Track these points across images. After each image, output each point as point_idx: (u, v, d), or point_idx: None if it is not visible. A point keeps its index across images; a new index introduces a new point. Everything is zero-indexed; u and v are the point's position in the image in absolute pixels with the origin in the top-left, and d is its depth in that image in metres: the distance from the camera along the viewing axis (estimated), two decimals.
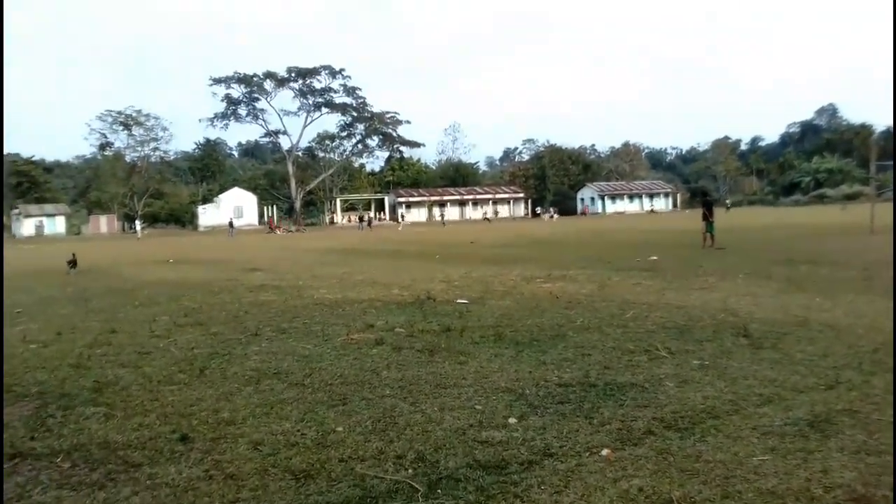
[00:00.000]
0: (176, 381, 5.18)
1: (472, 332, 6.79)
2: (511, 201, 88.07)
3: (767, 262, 13.40)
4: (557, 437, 3.66)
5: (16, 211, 75.70)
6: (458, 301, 9.15)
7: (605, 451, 3.42)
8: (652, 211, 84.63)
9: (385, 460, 3.44)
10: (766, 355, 5.41)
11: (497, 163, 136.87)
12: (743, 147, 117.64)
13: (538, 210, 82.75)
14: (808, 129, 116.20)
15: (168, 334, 7.29)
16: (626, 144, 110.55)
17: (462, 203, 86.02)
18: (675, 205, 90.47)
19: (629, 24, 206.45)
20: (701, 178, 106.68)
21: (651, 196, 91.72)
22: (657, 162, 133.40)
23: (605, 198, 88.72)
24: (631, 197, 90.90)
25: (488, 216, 76.09)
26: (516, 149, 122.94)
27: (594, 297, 9.21)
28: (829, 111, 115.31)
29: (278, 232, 56.89)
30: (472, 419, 4.04)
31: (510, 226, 52.02)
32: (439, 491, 3.03)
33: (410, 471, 3.29)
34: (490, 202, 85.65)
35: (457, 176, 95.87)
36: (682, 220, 38.73)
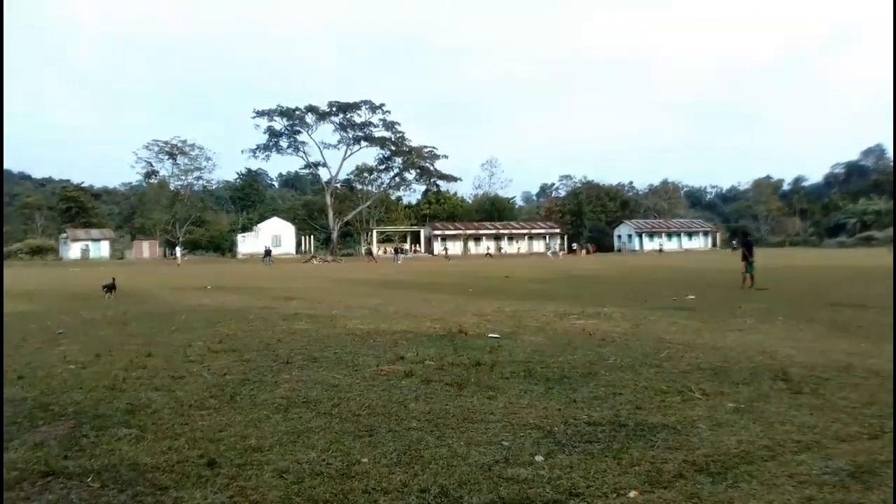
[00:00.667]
0: (207, 406, 5.24)
1: (502, 367, 6.74)
2: (547, 236, 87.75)
3: (810, 304, 13.05)
4: (584, 477, 3.59)
5: (63, 235, 78.14)
6: (490, 335, 9.10)
7: (632, 493, 3.33)
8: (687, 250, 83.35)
9: (408, 493, 3.41)
10: (806, 401, 5.24)
11: (534, 198, 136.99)
12: (785, 187, 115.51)
13: (574, 246, 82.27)
14: (853, 169, 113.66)
15: (202, 360, 7.39)
16: (664, 182, 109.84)
17: (497, 237, 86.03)
18: (714, 244, 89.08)
19: (669, 63, 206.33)
20: (741, 217, 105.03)
21: (690, 234, 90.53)
22: (696, 200, 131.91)
23: (643, 235, 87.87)
24: (669, 235, 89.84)
25: (490, 252, 75.81)
26: (553, 184, 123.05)
27: (628, 335, 9.07)
28: (877, 152, 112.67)
29: (315, 262, 57.49)
30: (499, 455, 3.99)
31: (545, 261, 51.74)
32: None
33: None
34: (525, 237, 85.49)
35: (493, 210, 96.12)
36: (722, 260, 38.05)
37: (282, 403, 5.31)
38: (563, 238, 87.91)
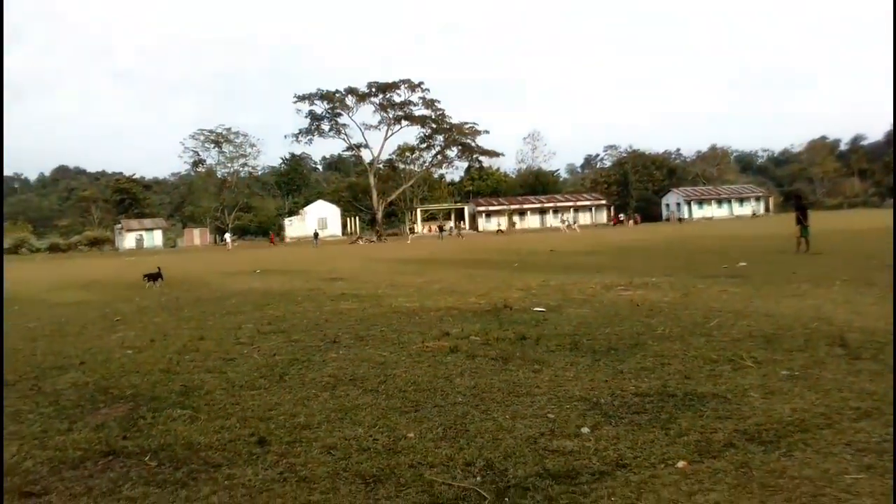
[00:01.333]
0: (257, 387, 5.36)
1: (548, 341, 6.70)
2: (593, 208, 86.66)
3: (869, 267, 12.56)
4: (631, 448, 3.54)
5: (118, 226, 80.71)
6: (535, 309, 9.05)
7: (680, 464, 3.28)
8: (754, 215, 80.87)
9: (454, 467, 3.43)
10: (865, 367, 5.05)
11: (578, 170, 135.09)
12: (843, 147, 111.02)
13: (620, 217, 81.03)
14: None
15: (252, 341, 7.56)
16: (713, 148, 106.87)
17: (542, 211, 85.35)
18: (767, 209, 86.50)
19: (716, 27, 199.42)
20: (796, 180, 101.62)
21: (741, 200, 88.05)
22: (747, 165, 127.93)
23: (692, 203, 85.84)
24: (719, 202, 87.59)
25: (502, 228, 73.42)
26: (598, 155, 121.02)
27: (677, 305, 8.90)
28: None
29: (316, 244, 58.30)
30: (544, 428, 3.97)
31: (591, 233, 51.12)
32: (506, 499, 2.99)
33: (479, 478, 3.26)
34: (571, 209, 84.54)
35: (536, 184, 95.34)
36: (775, 225, 36.96)
37: (329, 382, 5.40)
38: (608, 209, 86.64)
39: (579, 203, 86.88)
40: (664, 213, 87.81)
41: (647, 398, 4.47)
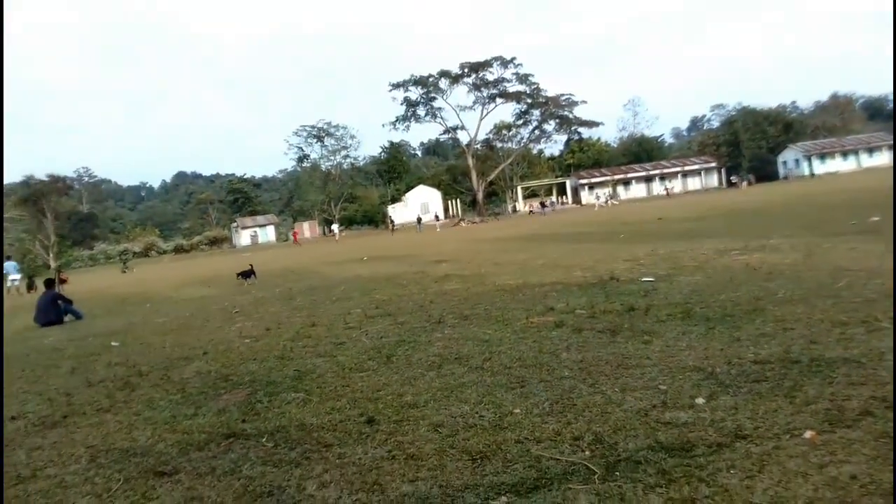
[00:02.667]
0: (365, 369, 5.48)
1: (657, 311, 6.43)
2: (702, 172, 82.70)
3: None
4: (751, 418, 3.32)
5: (234, 224, 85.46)
6: (644, 279, 8.73)
7: (808, 434, 3.03)
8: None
9: (562, 442, 3.35)
10: None
11: (684, 133, 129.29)
12: None
13: (733, 179, 76.85)
14: None
15: (360, 325, 7.75)
16: (834, 96, 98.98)
17: (648, 179, 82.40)
18: None
19: None
20: None
21: (870, 150, 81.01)
22: (876, 112, 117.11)
23: (812, 158, 79.85)
24: (844, 154, 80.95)
25: (533, 209, 67.38)
26: (704, 116, 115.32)
27: (799, 266, 8.31)
28: None
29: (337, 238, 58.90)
30: (656, 400, 3.80)
31: (702, 198, 48.79)
32: (617, 473, 2.88)
33: (587, 453, 3.17)
34: (679, 175, 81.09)
35: (640, 151, 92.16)
36: None
37: (435, 361, 5.44)
38: (719, 171, 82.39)
39: (687, 168, 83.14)
40: (781, 171, 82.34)
41: (767, 366, 4.18)
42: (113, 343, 8.84)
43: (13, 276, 29.99)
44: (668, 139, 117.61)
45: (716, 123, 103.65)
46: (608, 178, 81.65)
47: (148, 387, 5.77)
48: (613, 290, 8.14)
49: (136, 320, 11.49)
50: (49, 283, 13.94)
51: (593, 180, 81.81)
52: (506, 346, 5.72)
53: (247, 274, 16.84)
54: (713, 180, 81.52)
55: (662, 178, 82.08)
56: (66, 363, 7.69)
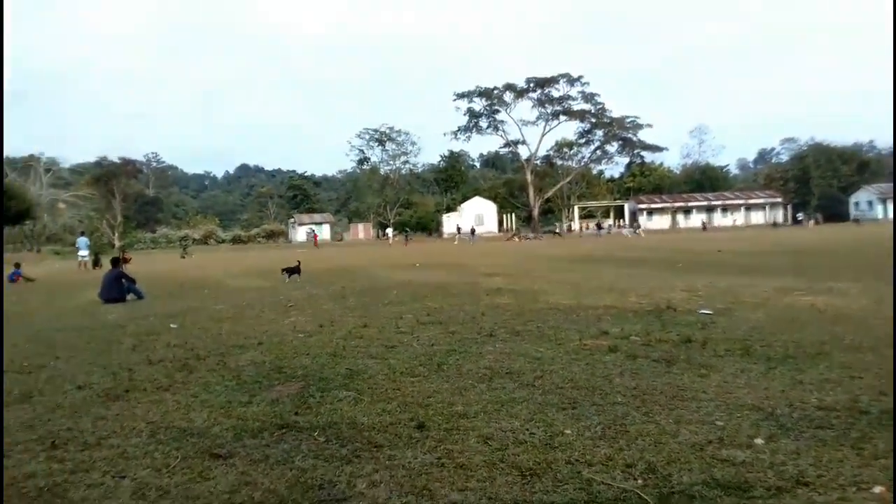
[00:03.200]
0: (416, 374, 5.52)
1: (715, 345, 6.29)
2: (767, 206, 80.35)
3: None
4: (815, 465, 3.21)
5: (292, 220, 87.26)
6: (701, 311, 8.54)
7: (878, 489, 2.92)
8: None
9: (613, 467, 3.31)
10: None
11: (750, 165, 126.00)
12: None
13: (799, 216, 74.45)
14: None
15: (411, 331, 7.81)
16: None
17: (710, 209, 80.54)
18: None
19: None
20: None
21: None
22: None
23: (888, 202, 76.52)
24: None
25: (631, 230, 64.41)
26: (773, 149, 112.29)
27: (868, 312, 8.00)
28: None
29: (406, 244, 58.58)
30: (712, 435, 3.72)
31: (765, 234, 47.41)
32: None
33: (640, 481, 3.12)
34: (742, 208, 79.03)
35: (703, 180, 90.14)
36: None
37: (486, 374, 5.44)
38: (785, 207, 79.95)
39: (751, 201, 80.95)
40: (852, 212, 79.25)
41: (832, 413, 4.04)
42: (172, 325, 9.13)
43: (83, 251, 31.29)
44: (734, 170, 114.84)
45: (785, 157, 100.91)
46: (668, 204, 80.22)
47: (205, 370, 5.95)
48: (669, 320, 7.99)
49: (194, 305, 11.83)
50: (115, 262, 14.49)
51: (653, 206, 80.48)
52: (558, 365, 5.68)
53: (292, 270, 16.83)
54: (778, 216, 79.10)
55: (724, 209, 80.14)
56: (127, 340, 7.98)
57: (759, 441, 3.59)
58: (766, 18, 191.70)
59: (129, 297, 13.37)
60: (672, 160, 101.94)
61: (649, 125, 78.50)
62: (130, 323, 9.57)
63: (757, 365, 5.40)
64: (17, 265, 23.62)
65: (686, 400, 4.47)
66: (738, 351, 5.98)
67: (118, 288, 13.30)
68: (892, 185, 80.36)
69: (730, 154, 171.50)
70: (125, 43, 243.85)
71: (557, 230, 69.16)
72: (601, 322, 8.04)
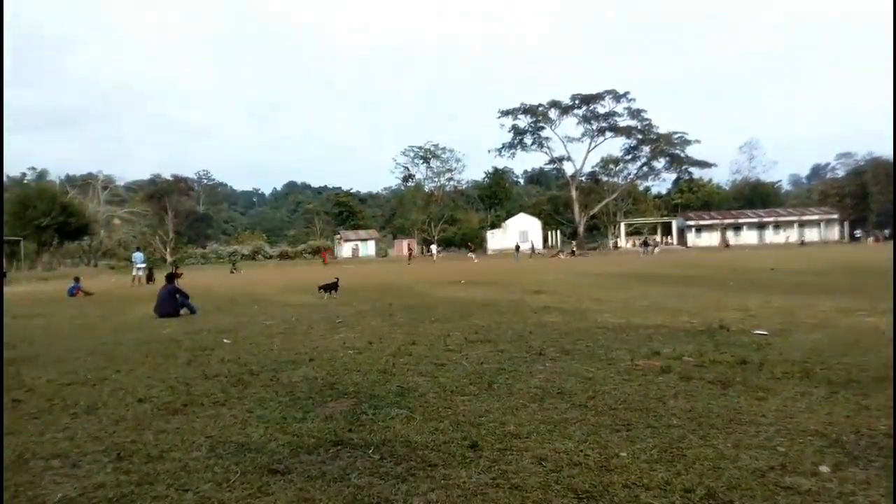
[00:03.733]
0: (466, 393, 5.53)
1: (772, 367, 6.13)
2: (822, 223, 77.98)
3: None
4: (887, 497, 3.10)
5: (337, 236, 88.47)
6: (756, 332, 8.33)
7: None
8: None
9: (672, 492, 3.25)
10: None
11: (804, 181, 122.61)
12: None
13: (857, 233, 72.03)
14: None
15: (460, 349, 7.82)
16: None
17: (761, 226, 78.58)
18: None
19: None
20: None
21: None
22: None
23: None
24: None
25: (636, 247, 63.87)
26: (828, 164, 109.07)
27: None
28: None
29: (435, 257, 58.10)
30: (773, 461, 3.63)
31: (821, 252, 45.96)
32: None
33: None
34: (795, 224, 76.87)
35: (754, 196, 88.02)
36: None
37: (537, 393, 5.41)
38: (841, 224, 77.45)
39: (805, 217, 78.67)
40: None
41: None
42: (225, 340, 9.34)
43: (139, 265, 32.28)
44: (786, 185, 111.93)
45: (841, 172, 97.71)
46: (717, 221, 78.53)
47: (259, 386, 6.07)
48: (723, 340, 7.82)
49: (245, 320, 12.08)
50: (170, 278, 14.91)
51: (701, 222, 78.91)
52: (610, 386, 5.62)
53: (329, 287, 16.58)
54: (834, 233, 76.68)
55: (777, 226, 78.08)
56: (183, 354, 8.19)
57: (824, 469, 3.49)
58: (819, 28, 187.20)
59: (183, 311, 13.73)
60: (721, 176, 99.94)
61: (697, 141, 77.47)
62: (185, 338, 9.82)
63: (818, 389, 5.24)
64: (77, 279, 24.50)
65: (744, 424, 4.37)
66: (798, 374, 5.81)
67: (173, 303, 13.67)
68: None
69: (782, 170, 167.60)
70: (177, 65, 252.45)
71: (601, 247, 68.26)
72: (652, 342, 7.91)
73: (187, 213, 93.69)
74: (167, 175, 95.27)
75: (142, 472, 3.75)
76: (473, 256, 58.17)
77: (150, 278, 31.52)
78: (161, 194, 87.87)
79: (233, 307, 15.36)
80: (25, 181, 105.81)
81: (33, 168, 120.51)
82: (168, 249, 78.55)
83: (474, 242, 75.87)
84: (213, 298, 18.09)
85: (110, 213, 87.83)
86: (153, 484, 3.56)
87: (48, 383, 6.56)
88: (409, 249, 69.68)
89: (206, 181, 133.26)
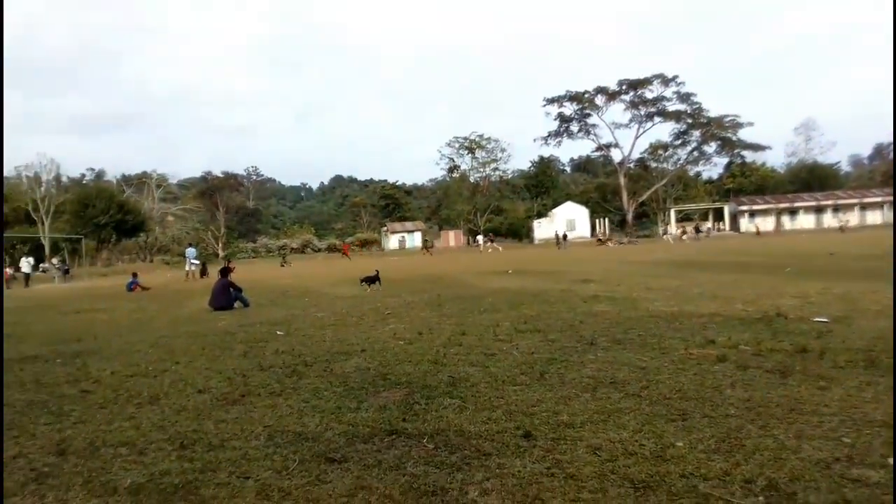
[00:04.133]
0: (518, 382, 5.52)
1: (834, 355, 5.94)
2: (884, 206, 74.97)
3: None
4: None
5: (384, 228, 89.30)
6: (816, 319, 8.08)
7: None
8: None
9: (731, 483, 3.19)
10: None
11: (865, 162, 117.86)
12: None
13: None
14: None
15: (510, 339, 7.81)
16: None
17: (818, 210, 76.00)
18: None
19: None
20: None
21: None
22: None
23: None
24: None
25: (761, 228, 62.79)
26: (892, 144, 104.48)
27: None
28: None
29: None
30: (838, 452, 3.52)
31: (883, 235, 44.18)
32: None
33: (762, 498, 3.00)
34: (856, 207, 74.11)
35: (811, 179, 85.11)
36: None
37: (589, 383, 5.37)
38: None
39: (866, 200, 75.76)
40: None
41: None
42: (278, 332, 9.54)
43: (193, 260, 33.21)
44: (845, 167, 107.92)
45: None
46: (771, 205, 76.33)
47: (313, 376, 6.18)
48: (781, 328, 7.61)
49: (297, 312, 12.30)
50: (224, 272, 15.29)
51: (755, 207, 76.82)
52: (664, 375, 5.53)
53: (371, 279, 16.50)
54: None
55: (836, 209, 75.39)
56: (238, 346, 8.40)
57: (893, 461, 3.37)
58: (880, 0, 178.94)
59: (236, 304, 14.07)
60: (776, 159, 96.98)
61: (750, 123, 75.39)
62: (240, 330, 10.06)
63: (885, 378, 5.06)
64: (135, 275, 25.37)
65: (805, 414, 4.25)
66: (862, 362, 5.62)
67: (227, 296, 14.02)
68: None
69: (841, 150, 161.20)
70: (226, 68, 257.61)
71: (650, 234, 67.06)
72: (706, 330, 7.75)
73: (237, 209, 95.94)
74: (218, 172, 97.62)
75: (204, 460, 3.87)
76: (431, 252, 56.22)
77: (203, 273, 32.40)
78: (212, 191, 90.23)
79: (284, 300, 15.67)
80: (84, 181, 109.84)
81: (92, 169, 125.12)
82: (220, 244, 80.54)
83: (429, 239, 73.36)
84: (264, 291, 18.49)
85: (164, 211, 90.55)
86: (215, 471, 3.67)
87: (112, 375, 6.82)
88: (426, 244, 68.01)
89: (255, 177, 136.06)
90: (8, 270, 37.05)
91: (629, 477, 3.32)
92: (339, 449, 3.96)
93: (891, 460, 3.37)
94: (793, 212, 76.43)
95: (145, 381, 6.37)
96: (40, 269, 31.67)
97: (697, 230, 59.29)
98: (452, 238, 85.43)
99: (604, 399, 4.85)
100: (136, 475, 3.68)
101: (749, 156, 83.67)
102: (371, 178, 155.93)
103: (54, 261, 42.42)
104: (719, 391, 4.92)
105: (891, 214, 73.52)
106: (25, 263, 32.16)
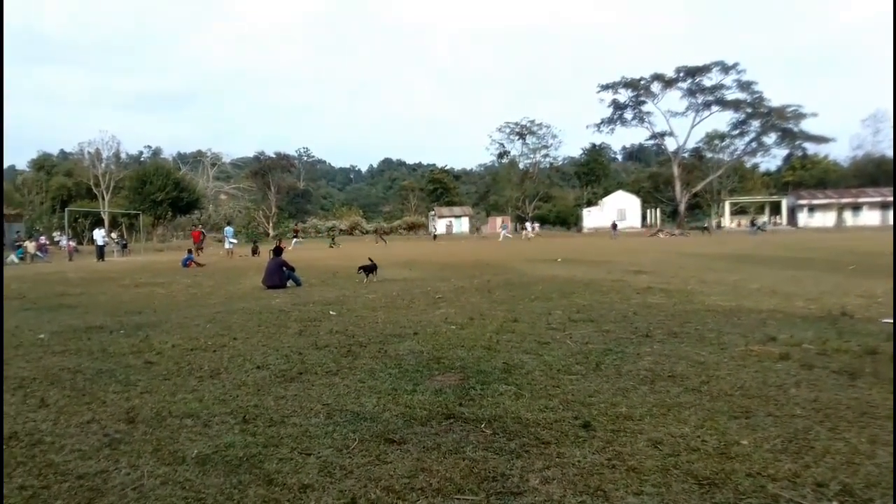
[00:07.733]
0: (573, 372, 5.47)
1: None
2: None
3: None
4: None
5: (432, 212, 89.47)
6: (885, 321, 7.77)
7: None
8: None
9: (802, 485, 3.10)
10: None
11: None
12: None
13: None
14: None
15: (563, 328, 7.74)
16: None
17: (884, 206, 72.95)
18: None
19: None
20: None
21: None
22: None
23: None
24: None
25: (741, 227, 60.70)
26: None
27: None
28: None
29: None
30: None
31: None
32: None
33: (835, 503, 2.90)
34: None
35: (878, 174, 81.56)
36: None
37: (647, 376, 5.29)
38: None
39: None
40: None
41: None
42: (331, 312, 9.67)
43: (231, 239, 33.85)
44: None
45: None
46: (833, 200, 73.57)
47: (368, 357, 6.25)
48: (846, 328, 7.35)
49: (348, 293, 12.45)
50: (277, 251, 15.58)
51: (814, 201, 74.19)
52: (724, 371, 5.41)
53: (368, 269, 15.41)
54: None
55: None
56: (293, 325, 8.55)
57: None
58: None
59: (289, 283, 14.31)
60: (840, 152, 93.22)
61: (814, 114, 72.87)
62: (293, 309, 10.23)
63: None
64: (190, 251, 26.10)
65: (879, 418, 4.09)
66: None
67: (280, 275, 14.27)
68: None
69: None
70: (281, 48, 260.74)
71: (706, 226, 65.40)
72: (766, 327, 7.55)
73: (288, 189, 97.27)
74: (270, 152, 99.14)
75: (267, 435, 3.95)
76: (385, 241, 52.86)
77: (254, 251, 33.05)
78: (265, 171, 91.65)
79: (335, 280, 15.87)
80: (142, 159, 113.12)
81: (149, 146, 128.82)
82: (271, 224, 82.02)
83: (383, 230, 68.40)
84: (315, 272, 18.77)
85: (218, 189, 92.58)
86: (278, 447, 3.74)
87: (173, 348, 7.02)
88: (380, 231, 63.59)
89: (306, 158, 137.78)
90: (71, 243, 38.49)
91: (693, 473, 3.26)
92: (398, 430, 4.00)
93: None
94: (856, 207, 73.51)
95: (205, 356, 6.54)
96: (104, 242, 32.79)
97: (752, 223, 57.57)
98: (499, 224, 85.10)
99: (662, 392, 4.76)
100: (201, 446, 3.78)
101: (811, 148, 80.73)
102: (420, 162, 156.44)
103: (113, 235, 43.87)
104: (783, 390, 4.78)
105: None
106: (98, 235, 33.31)
